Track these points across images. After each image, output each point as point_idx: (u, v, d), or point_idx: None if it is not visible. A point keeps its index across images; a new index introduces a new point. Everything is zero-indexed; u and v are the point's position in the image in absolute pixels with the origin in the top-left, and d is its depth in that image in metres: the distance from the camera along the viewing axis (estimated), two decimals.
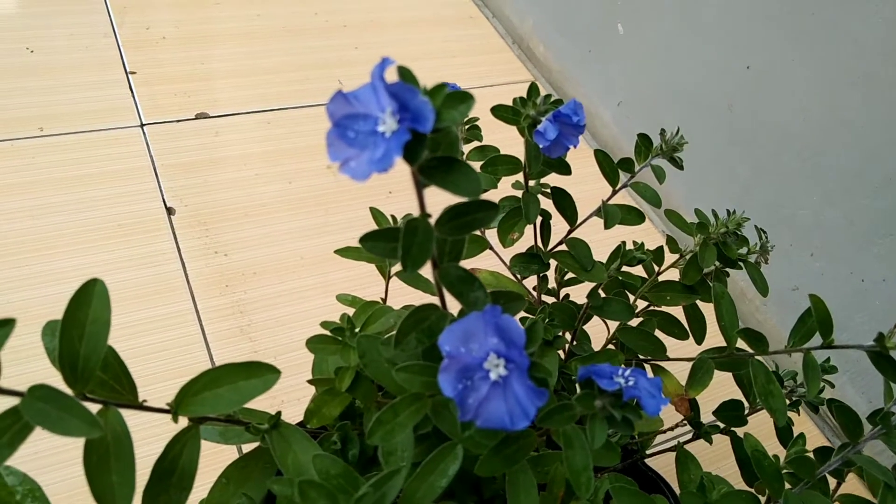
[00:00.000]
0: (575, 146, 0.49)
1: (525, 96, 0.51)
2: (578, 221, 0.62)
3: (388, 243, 0.34)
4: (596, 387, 0.39)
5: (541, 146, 0.48)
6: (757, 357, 0.58)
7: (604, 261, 0.64)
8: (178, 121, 1.30)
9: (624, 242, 0.60)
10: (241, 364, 0.41)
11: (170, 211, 1.16)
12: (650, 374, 0.63)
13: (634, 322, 0.70)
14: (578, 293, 0.68)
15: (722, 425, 0.65)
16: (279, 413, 0.48)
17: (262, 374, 0.41)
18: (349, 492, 0.34)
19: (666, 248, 0.70)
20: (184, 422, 0.43)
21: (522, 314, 0.62)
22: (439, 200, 0.35)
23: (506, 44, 1.70)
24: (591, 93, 1.51)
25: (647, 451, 0.66)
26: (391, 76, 0.31)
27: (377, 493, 0.34)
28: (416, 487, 0.42)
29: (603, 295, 0.64)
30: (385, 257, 0.34)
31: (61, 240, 1.08)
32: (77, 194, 1.15)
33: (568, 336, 0.65)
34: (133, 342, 1.00)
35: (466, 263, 0.65)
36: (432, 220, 0.35)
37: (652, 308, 0.72)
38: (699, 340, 0.73)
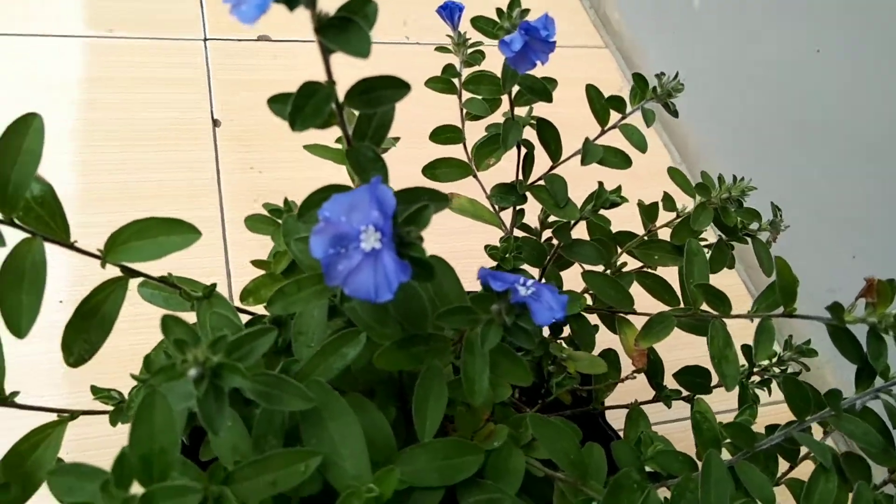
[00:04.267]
0: (543, 62, 0.48)
1: (507, 9, 0.50)
2: (563, 158, 0.60)
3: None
4: (492, 291, 0.38)
5: (506, 57, 0.47)
6: (723, 319, 0.55)
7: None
8: (240, 40, 1.33)
9: (601, 183, 0.58)
10: (164, 219, 0.43)
11: (215, 123, 1.20)
12: (617, 327, 0.62)
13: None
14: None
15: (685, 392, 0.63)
16: (214, 285, 0.50)
17: (183, 231, 0.43)
18: None
19: (661, 205, 0.68)
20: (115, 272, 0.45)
21: (493, 244, 0.61)
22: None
23: (582, 6, 1.66)
24: (658, 66, 1.45)
25: (605, 404, 0.64)
26: None
27: (244, 347, 0.35)
28: (314, 364, 0.43)
29: (583, 237, 0.63)
30: (285, 118, 0.35)
31: (112, 135, 1.14)
32: (133, 95, 1.20)
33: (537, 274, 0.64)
34: None
35: (446, 187, 0.65)
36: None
37: (646, 269, 0.70)
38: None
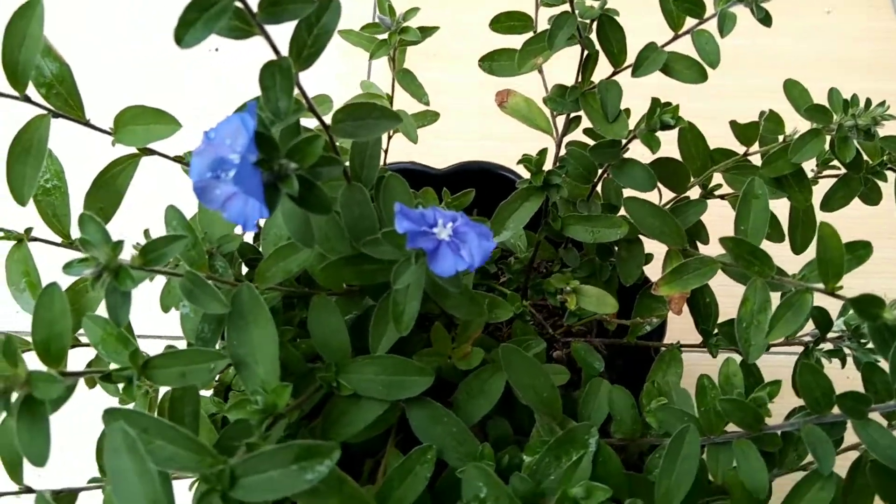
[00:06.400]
0: None
1: None
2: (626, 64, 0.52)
3: None
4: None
5: None
6: (763, 280, 0.46)
7: None
8: None
9: (655, 100, 0.49)
10: (155, 110, 0.45)
11: None
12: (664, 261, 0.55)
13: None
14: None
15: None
16: None
17: (168, 123, 0.45)
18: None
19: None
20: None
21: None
22: None
23: None
24: None
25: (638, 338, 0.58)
26: None
27: (157, 251, 0.37)
28: (268, 265, 0.45)
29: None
30: None
31: None
32: None
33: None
34: None
35: (505, 82, 0.60)
36: None
37: None
38: (798, 249, 0.61)
